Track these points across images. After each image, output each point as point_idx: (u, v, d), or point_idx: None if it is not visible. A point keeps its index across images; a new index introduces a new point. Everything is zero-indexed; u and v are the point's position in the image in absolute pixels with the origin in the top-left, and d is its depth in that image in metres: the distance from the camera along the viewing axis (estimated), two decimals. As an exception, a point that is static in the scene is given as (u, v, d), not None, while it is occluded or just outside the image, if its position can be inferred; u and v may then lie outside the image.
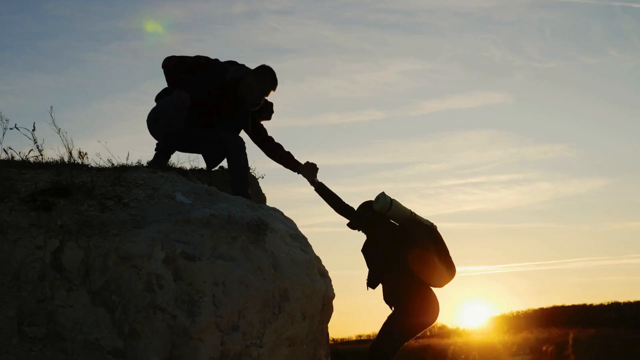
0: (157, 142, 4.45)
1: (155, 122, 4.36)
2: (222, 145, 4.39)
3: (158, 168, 4.23)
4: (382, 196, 4.22)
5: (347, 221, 4.36)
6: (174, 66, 4.33)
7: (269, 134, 4.70)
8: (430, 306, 3.99)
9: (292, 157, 4.63)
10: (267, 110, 4.66)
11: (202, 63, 4.37)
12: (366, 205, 4.33)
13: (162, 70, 4.41)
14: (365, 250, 4.24)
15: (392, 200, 4.19)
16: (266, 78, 4.42)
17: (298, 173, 4.60)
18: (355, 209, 4.37)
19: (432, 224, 4.22)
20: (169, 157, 4.47)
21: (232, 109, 4.41)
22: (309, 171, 4.54)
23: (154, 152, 4.47)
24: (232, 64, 4.50)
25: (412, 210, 4.26)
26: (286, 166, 4.64)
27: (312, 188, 4.53)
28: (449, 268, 4.04)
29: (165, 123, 4.25)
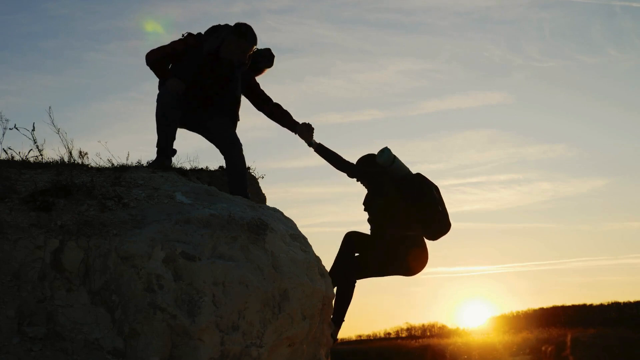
0: (157, 142, 4.41)
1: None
2: (219, 147, 4.40)
3: (158, 168, 4.22)
4: (386, 150, 4.44)
5: (346, 175, 4.54)
6: (157, 59, 4.36)
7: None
8: (426, 257, 4.37)
9: (291, 116, 4.65)
10: (266, 59, 4.64)
11: (181, 48, 4.37)
12: (366, 160, 4.50)
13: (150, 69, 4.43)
14: (369, 201, 4.43)
15: (395, 156, 4.39)
16: (243, 37, 4.38)
17: (295, 133, 4.62)
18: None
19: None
20: (171, 159, 4.44)
21: (224, 79, 4.40)
22: (305, 132, 4.57)
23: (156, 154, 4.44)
24: (210, 33, 4.47)
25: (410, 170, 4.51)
26: (284, 126, 4.66)
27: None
28: (447, 226, 4.37)
29: (163, 113, 4.25)
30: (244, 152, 4.42)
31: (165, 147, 4.34)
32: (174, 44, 4.38)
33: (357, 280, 4.30)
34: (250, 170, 5.38)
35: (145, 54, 4.38)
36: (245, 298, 3.31)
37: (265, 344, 3.35)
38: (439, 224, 4.31)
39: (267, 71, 4.72)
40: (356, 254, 4.38)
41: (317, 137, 4.55)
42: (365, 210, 4.46)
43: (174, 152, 4.41)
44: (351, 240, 4.35)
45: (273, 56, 4.68)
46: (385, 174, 4.38)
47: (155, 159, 4.36)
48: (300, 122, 4.59)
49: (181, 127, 4.55)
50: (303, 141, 4.57)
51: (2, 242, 3.17)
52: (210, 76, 4.36)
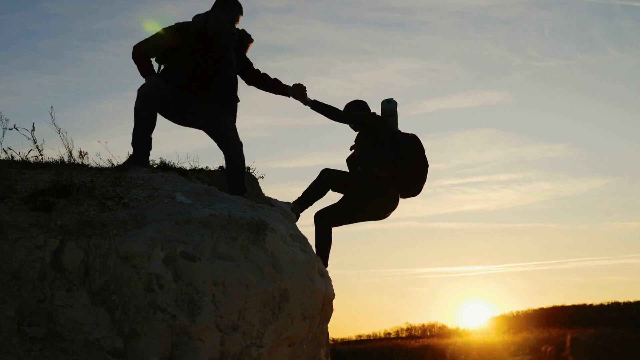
0: (133, 146, 4.36)
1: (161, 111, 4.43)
2: (218, 143, 4.39)
3: (129, 168, 4.15)
4: (394, 101, 4.62)
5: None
6: (143, 55, 4.34)
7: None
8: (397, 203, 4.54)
9: (281, 82, 4.70)
10: (246, 35, 4.67)
11: (169, 37, 4.34)
12: (356, 103, 4.73)
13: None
14: (361, 140, 4.59)
15: (396, 111, 4.62)
16: (229, 6, 4.38)
17: (289, 97, 4.68)
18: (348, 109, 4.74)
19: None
20: (144, 159, 4.36)
21: (217, 54, 4.39)
22: (298, 93, 4.63)
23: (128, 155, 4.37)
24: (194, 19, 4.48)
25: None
26: (277, 93, 4.71)
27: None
28: (420, 190, 4.56)
29: (139, 107, 4.23)
30: (245, 152, 4.42)
31: (137, 143, 4.30)
32: (159, 34, 4.34)
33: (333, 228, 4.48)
34: (250, 170, 5.38)
35: (133, 47, 4.35)
36: (245, 298, 3.31)
37: (265, 344, 3.35)
38: (419, 185, 4.50)
39: (251, 47, 4.75)
40: (334, 198, 4.59)
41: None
42: (354, 148, 4.63)
43: (148, 149, 4.36)
44: (328, 175, 4.49)
45: (249, 34, 4.75)
46: (380, 122, 4.55)
47: (129, 158, 4.30)
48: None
49: (181, 124, 4.54)
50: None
51: (2, 242, 3.17)
52: (202, 55, 4.33)
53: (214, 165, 5.12)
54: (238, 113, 4.62)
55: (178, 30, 4.35)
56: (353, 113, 4.64)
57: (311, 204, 4.49)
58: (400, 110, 4.71)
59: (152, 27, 4.38)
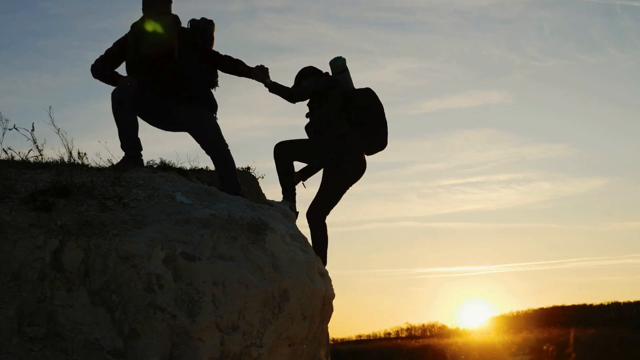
0: (122, 149, 4.37)
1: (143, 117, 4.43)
2: (204, 148, 4.38)
3: (121, 170, 4.15)
4: (342, 58, 4.57)
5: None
6: (98, 70, 4.39)
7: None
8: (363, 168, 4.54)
9: (244, 64, 4.58)
10: (207, 22, 4.65)
11: (115, 51, 4.38)
12: (304, 74, 4.65)
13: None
14: (313, 107, 4.54)
15: (347, 68, 4.57)
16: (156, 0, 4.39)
17: (251, 78, 4.59)
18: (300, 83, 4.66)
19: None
20: (135, 160, 4.36)
21: (162, 53, 4.36)
22: (260, 73, 4.57)
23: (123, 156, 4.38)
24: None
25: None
26: (240, 74, 4.59)
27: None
28: (385, 143, 4.58)
29: (115, 110, 4.24)
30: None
31: (126, 146, 4.30)
32: (108, 50, 4.41)
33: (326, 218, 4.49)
34: (250, 170, 5.38)
35: (90, 66, 4.40)
36: (245, 298, 3.31)
37: (265, 344, 3.35)
38: (380, 138, 4.50)
39: (215, 34, 4.71)
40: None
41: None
42: (308, 115, 4.58)
43: (139, 149, 4.36)
44: (280, 148, 4.46)
45: (209, 19, 4.73)
46: (329, 82, 4.50)
47: (121, 160, 4.30)
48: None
49: (166, 129, 4.52)
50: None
51: (2, 242, 3.17)
52: (150, 56, 4.32)
53: (213, 166, 5.12)
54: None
55: (123, 40, 4.39)
56: (302, 85, 4.58)
57: (294, 189, 4.48)
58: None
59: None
